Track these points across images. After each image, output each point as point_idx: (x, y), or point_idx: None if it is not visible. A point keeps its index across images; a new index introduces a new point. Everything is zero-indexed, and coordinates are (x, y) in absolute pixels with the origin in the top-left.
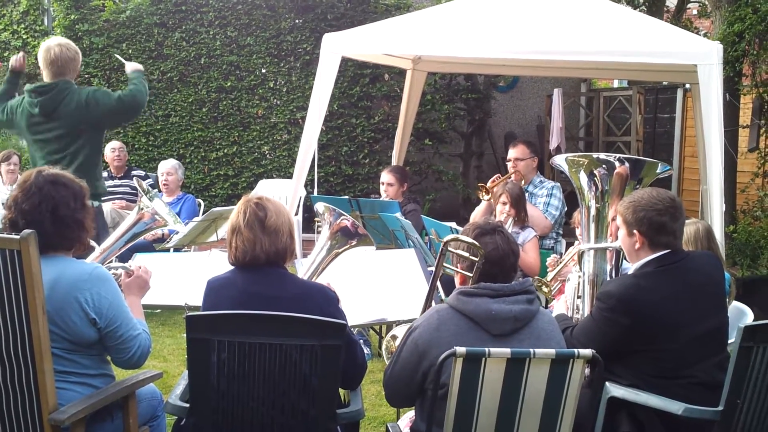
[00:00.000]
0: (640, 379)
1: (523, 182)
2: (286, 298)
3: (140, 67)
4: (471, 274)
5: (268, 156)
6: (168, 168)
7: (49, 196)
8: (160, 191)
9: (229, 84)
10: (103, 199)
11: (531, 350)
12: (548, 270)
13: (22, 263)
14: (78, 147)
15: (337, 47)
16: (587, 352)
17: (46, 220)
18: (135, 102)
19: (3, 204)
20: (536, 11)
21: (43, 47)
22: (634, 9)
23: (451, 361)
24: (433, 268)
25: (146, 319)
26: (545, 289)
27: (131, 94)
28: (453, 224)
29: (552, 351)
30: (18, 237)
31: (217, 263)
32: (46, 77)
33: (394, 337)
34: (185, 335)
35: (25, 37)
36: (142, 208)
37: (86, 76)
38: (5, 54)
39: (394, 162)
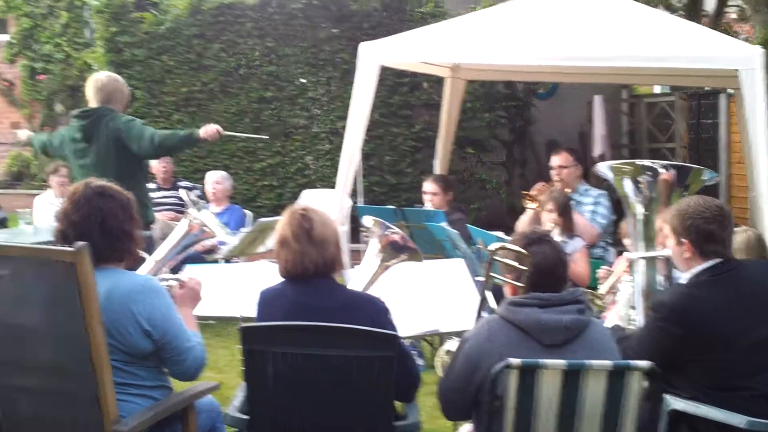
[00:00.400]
0: (699, 391)
1: (568, 190)
2: (337, 308)
3: (206, 133)
4: (521, 284)
5: (311, 166)
6: (217, 177)
7: (97, 208)
8: (207, 202)
9: (269, 94)
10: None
11: (586, 362)
12: (599, 282)
13: (77, 275)
14: (115, 174)
15: (374, 56)
16: (645, 363)
17: (95, 232)
18: (162, 146)
19: (55, 216)
20: (574, 17)
21: (91, 78)
22: (672, 14)
23: (506, 373)
24: (481, 278)
25: (200, 330)
26: (598, 302)
27: (163, 137)
28: (500, 233)
29: (608, 362)
30: (72, 249)
31: (268, 274)
32: (91, 105)
33: (448, 352)
34: (239, 346)
35: (67, 49)
36: (191, 220)
37: (129, 88)
38: (49, 66)
39: (436, 171)
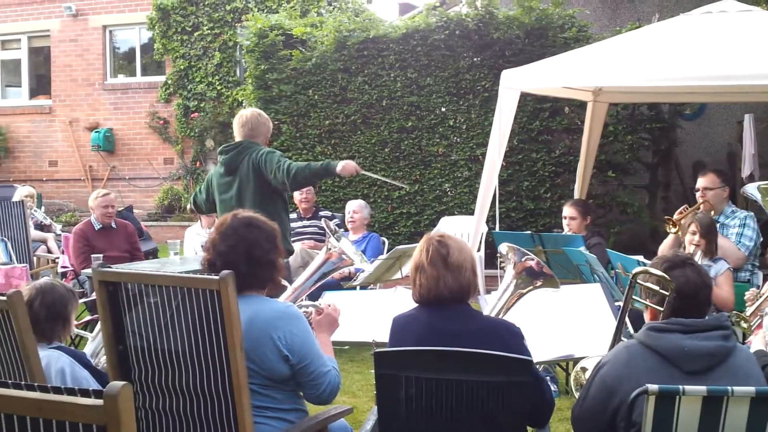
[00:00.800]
0: None
1: (713, 213)
2: (470, 333)
3: (343, 170)
4: (662, 309)
5: (449, 193)
6: (355, 207)
7: (243, 238)
8: (346, 230)
9: (410, 124)
10: (292, 240)
11: (729, 388)
12: (746, 305)
13: (221, 302)
14: (255, 204)
15: (515, 83)
16: None
17: (241, 261)
18: (296, 177)
19: (203, 246)
20: (719, 36)
21: (237, 114)
22: None
23: (643, 399)
24: (620, 303)
25: (335, 355)
26: (744, 325)
27: (297, 168)
28: (640, 257)
29: (752, 389)
30: (217, 278)
31: (402, 300)
32: (237, 139)
33: (583, 369)
34: (373, 371)
35: (219, 88)
36: (330, 249)
37: (276, 122)
38: (202, 104)
39: (576, 195)
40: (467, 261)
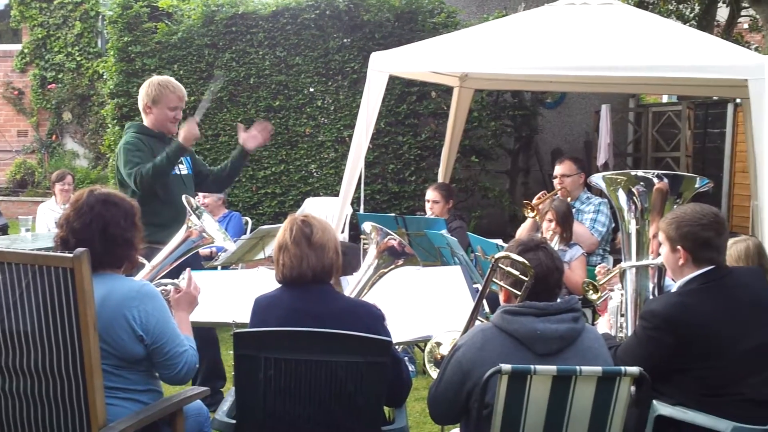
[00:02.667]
0: (686, 397)
1: (569, 199)
2: (332, 315)
3: (184, 139)
4: (518, 292)
5: (315, 174)
6: None
7: (99, 215)
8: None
9: (277, 103)
10: None
11: (577, 368)
12: (597, 278)
13: (74, 281)
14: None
15: (384, 65)
16: (634, 369)
17: (96, 239)
18: (138, 180)
19: (56, 223)
20: (583, 28)
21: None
22: (684, 24)
23: (496, 380)
24: (478, 286)
25: (194, 336)
26: (593, 296)
27: (142, 170)
28: (499, 241)
29: (598, 368)
30: (71, 255)
31: (265, 281)
32: None
33: (438, 344)
34: (232, 352)
35: (78, 59)
36: (190, 226)
37: (138, 97)
38: (60, 76)
39: (440, 179)
40: (331, 241)
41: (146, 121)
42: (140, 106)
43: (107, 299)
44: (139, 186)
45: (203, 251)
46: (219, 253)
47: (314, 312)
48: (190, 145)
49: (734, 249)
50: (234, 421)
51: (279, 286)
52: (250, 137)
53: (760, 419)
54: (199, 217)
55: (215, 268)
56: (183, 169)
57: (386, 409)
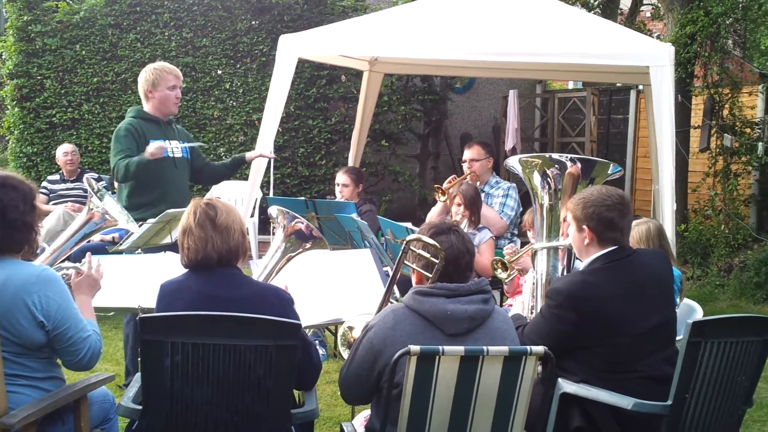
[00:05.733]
0: (590, 374)
1: (478, 183)
2: (241, 299)
3: (154, 152)
4: (429, 274)
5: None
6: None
7: None
8: (113, 192)
9: (184, 85)
10: (54, 202)
11: (484, 348)
12: (505, 257)
13: None
14: None
15: (293, 48)
16: (539, 348)
17: None
18: (115, 173)
19: None
20: (492, 13)
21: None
22: (589, 11)
23: (406, 359)
24: (388, 269)
25: (100, 322)
26: (502, 275)
27: (119, 166)
28: (409, 224)
29: (505, 348)
30: None
31: (172, 265)
32: None
33: (350, 328)
34: None
35: None
36: (92, 208)
37: (39, 77)
38: None
39: (350, 163)
40: (236, 223)
41: (147, 106)
42: (141, 93)
43: (6, 285)
44: (119, 178)
45: (105, 237)
46: (123, 238)
47: (222, 297)
48: (155, 157)
49: (636, 231)
50: (140, 407)
51: (185, 271)
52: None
53: (659, 395)
54: (101, 199)
55: (120, 252)
56: (177, 152)
57: (296, 392)
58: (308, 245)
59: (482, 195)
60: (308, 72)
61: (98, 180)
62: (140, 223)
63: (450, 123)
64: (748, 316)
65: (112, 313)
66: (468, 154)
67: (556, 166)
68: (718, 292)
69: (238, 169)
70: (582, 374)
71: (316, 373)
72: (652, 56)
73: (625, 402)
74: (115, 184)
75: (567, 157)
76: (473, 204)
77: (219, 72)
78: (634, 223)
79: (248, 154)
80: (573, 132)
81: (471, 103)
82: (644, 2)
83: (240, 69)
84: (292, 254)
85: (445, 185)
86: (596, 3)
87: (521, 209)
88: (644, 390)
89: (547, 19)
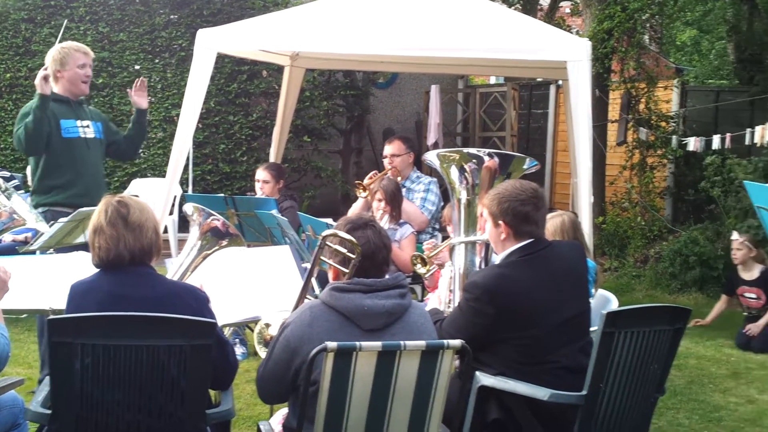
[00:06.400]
0: (507, 366)
1: (399, 178)
2: (154, 298)
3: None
4: (346, 270)
5: (142, 154)
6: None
7: None
8: (27, 192)
9: (100, 81)
10: None
11: (401, 342)
12: (425, 253)
13: None
14: None
15: (212, 43)
16: (456, 342)
17: None
18: (22, 140)
19: None
20: (414, 8)
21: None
22: (509, 7)
23: (323, 357)
24: (307, 265)
25: (11, 325)
26: (422, 270)
27: (18, 132)
28: (329, 220)
29: (422, 342)
30: None
31: (84, 265)
32: None
33: (267, 325)
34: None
35: None
36: None
37: None
38: None
39: (272, 159)
40: (149, 221)
41: (57, 87)
42: (50, 74)
43: None
44: (24, 146)
45: (18, 236)
46: (34, 238)
47: (136, 297)
48: (46, 91)
49: (551, 223)
50: (49, 412)
51: (97, 271)
52: (138, 98)
53: (574, 385)
54: (8, 198)
55: (33, 252)
56: (89, 132)
57: (212, 392)
58: (224, 242)
59: (403, 190)
60: (229, 67)
61: (9, 179)
62: (51, 222)
63: (373, 118)
64: (660, 305)
65: (24, 316)
66: (388, 149)
67: (474, 160)
68: (634, 283)
69: (146, 122)
70: (499, 367)
71: (232, 373)
72: (570, 51)
73: (542, 393)
74: (29, 179)
75: (484, 151)
76: (394, 199)
77: (137, 67)
78: (549, 215)
79: (135, 101)
80: (494, 126)
81: (393, 99)
82: None
83: (158, 64)
84: (208, 252)
85: (366, 181)
86: None
87: (443, 204)
88: (560, 381)
89: (468, 14)
